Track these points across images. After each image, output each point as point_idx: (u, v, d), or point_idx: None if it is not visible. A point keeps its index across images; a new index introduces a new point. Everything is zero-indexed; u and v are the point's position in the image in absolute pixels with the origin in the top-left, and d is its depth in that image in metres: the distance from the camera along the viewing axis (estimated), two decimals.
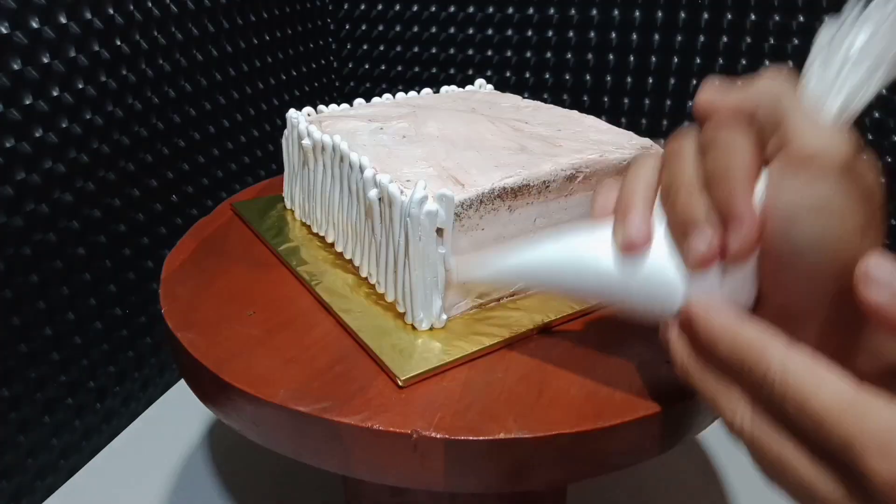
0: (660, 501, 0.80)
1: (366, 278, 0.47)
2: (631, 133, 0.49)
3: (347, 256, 0.49)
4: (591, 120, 0.53)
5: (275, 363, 0.40)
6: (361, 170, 0.43)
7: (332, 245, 0.51)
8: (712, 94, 0.29)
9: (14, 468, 0.75)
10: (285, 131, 0.55)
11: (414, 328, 0.41)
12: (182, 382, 0.99)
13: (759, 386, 0.23)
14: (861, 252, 0.25)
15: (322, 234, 0.53)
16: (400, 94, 0.61)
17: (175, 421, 0.93)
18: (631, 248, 0.29)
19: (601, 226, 0.31)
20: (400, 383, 0.37)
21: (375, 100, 0.60)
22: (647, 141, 0.47)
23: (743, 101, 0.28)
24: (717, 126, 0.28)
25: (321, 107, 0.57)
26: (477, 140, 0.48)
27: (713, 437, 0.89)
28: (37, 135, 0.72)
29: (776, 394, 0.23)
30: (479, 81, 0.65)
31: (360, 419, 0.35)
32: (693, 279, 0.28)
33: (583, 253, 0.31)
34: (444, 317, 0.41)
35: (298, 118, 0.53)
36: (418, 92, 0.62)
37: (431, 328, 0.41)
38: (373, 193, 0.42)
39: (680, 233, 0.28)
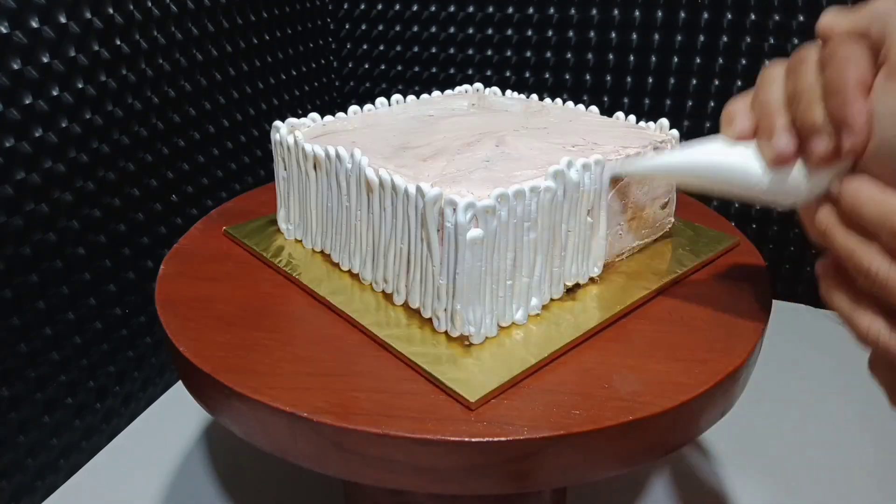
0: (660, 502, 0.80)
1: (363, 279, 0.47)
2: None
3: (367, 278, 0.47)
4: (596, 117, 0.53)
5: (273, 367, 0.40)
6: (407, 196, 0.40)
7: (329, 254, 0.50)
8: (832, 17, 0.33)
9: (14, 468, 0.75)
10: (277, 154, 0.52)
11: (434, 331, 0.42)
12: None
13: None
14: None
15: (337, 260, 0.50)
16: (411, 98, 0.60)
17: (175, 421, 0.93)
18: (781, 162, 0.34)
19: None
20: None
21: (382, 107, 0.58)
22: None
23: (857, 22, 0.31)
24: (834, 43, 0.32)
25: (328, 117, 0.54)
26: (511, 151, 0.47)
27: (713, 437, 0.89)
28: (37, 135, 0.72)
29: None
30: (478, 85, 0.65)
31: (361, 424, 0.35)
32: (813, 174, 0.33)
33: (730, 159, 0.36)
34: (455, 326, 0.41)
35: (298, 136, 0.50)
36: (417, 95, 0.61)
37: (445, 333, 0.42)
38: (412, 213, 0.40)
39: (803, 136, 0.33)
